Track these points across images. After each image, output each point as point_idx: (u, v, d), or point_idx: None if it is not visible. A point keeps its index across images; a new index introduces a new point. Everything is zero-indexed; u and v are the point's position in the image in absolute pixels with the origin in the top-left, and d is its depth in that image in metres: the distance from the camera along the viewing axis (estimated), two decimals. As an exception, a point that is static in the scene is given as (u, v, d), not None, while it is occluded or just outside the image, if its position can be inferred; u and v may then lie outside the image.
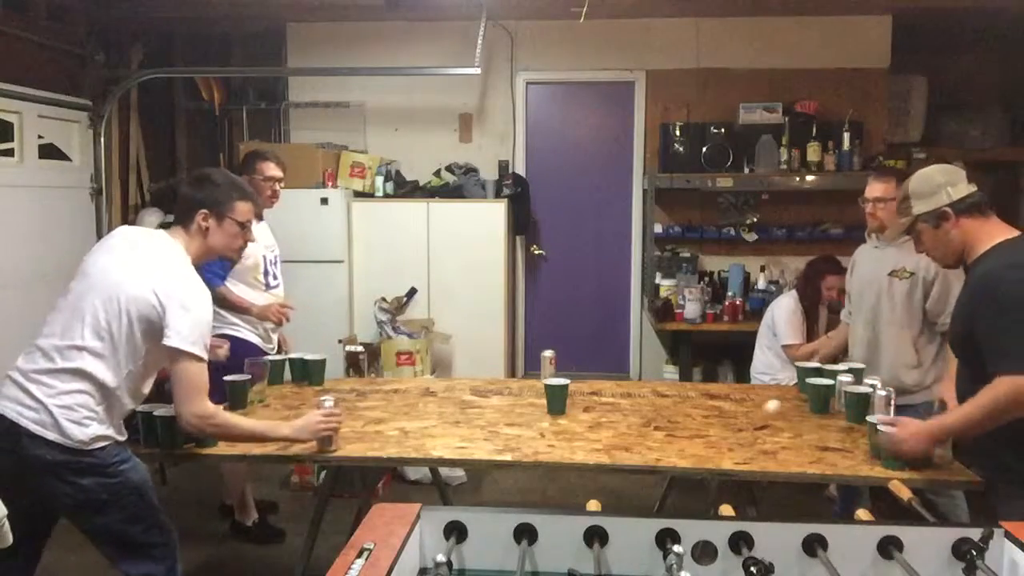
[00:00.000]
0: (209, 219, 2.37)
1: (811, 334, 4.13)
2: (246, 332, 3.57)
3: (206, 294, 2.30)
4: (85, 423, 2.17)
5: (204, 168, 2.60)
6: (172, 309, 2.20)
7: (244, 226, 2.45)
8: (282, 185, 3.72)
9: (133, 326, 2.20)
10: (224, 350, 3.04)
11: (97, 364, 2.19)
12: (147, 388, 2.36)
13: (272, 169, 3.66)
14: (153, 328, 2.21)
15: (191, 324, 2.21)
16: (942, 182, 2.20)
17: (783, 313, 4.17)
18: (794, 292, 4.28)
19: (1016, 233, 2.20)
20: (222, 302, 3.49)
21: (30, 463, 2.14)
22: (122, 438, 2.30)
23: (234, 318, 3.54)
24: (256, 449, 2.55)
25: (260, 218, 3.61)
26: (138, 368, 2.25)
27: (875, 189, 3.17)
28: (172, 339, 2.19)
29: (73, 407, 2.17)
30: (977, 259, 2.20)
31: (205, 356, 2.25)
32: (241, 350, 3.42)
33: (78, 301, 2.23)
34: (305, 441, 2.46)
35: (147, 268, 2.24)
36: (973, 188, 2.21)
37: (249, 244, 3.33)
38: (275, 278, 3.72)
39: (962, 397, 2.22)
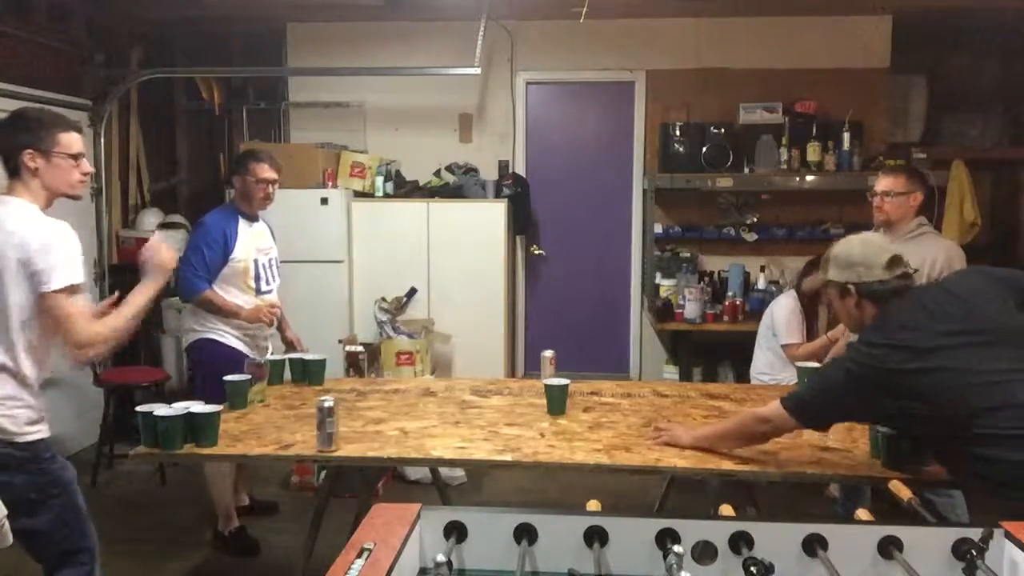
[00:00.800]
0: (36, 159, 2.26)
1: (811, 333, 4.12)
2: (231, 339, 3.52)
3: (60, 229, 2.23)
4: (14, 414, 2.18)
5: (16, 109, 2.46)
6: (36, 257, 2.16)
7: (76, 158, 2.33)
8: (277, 186, 3.63)
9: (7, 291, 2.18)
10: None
11: None
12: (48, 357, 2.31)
13: (265, 171, 3.55)
14: (28, 284, 2.18)
15: (52, 265, 2.16)
16: (857, 262, 2.20)
17: (782, 313, 4.17)
18: (793, 292, 4.28)
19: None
20: (208, 305, 3.46)
21: None
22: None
23: (219, 323, 3.49)
24: (256, 450, 2.55)
25: (256, 219, 3.63)
26: (33, 335, 2.22)
27: (883, 182, 3.22)
28: (51, 284, 2.15)
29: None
30: None
31: (79, 282, 2.19)
32: (225, 356, 3.39)
33: None
34: (160, 280, 2.43)
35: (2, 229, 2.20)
36: (893, 274, 2.15)
37: (238, 247, 3.35)
38: (268, 283, 3.64)
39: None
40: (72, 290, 2.19)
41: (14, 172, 2.28)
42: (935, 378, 1.95)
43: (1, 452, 2.16)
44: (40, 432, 2.24)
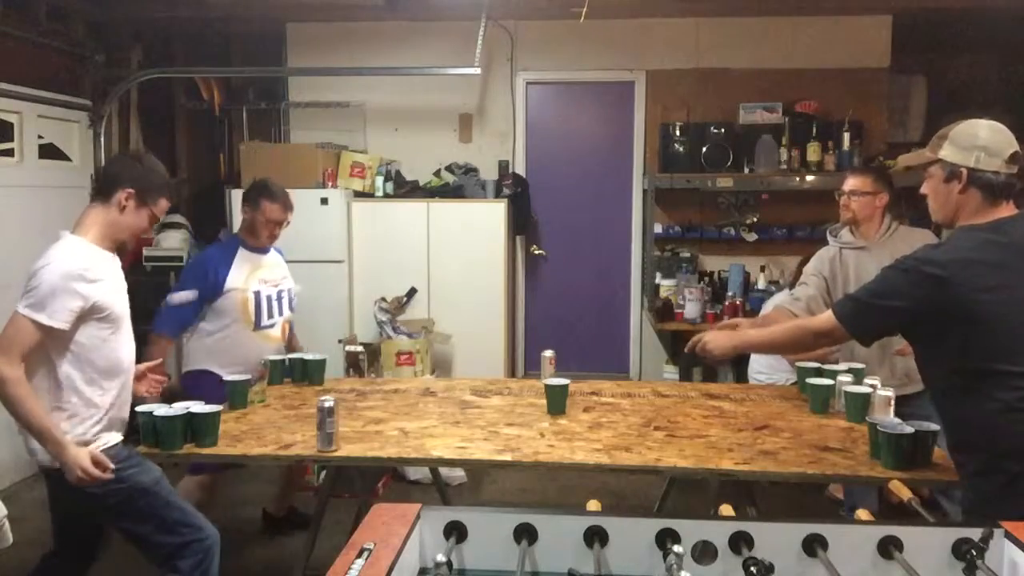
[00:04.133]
0: (131, 200, 2.36)
1: None
2: (217, 369, 3.34)
3: (60, 262, 2.23)
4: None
5: (144, 150, 2.62)
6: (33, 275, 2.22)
7: (153, 221, 2.48)
8: (287, 226, 3.51)
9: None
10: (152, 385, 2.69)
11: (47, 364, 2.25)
12: (100, 370, 2.33)
13: (276, 212, 3.43)
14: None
15: (31, 287, 2.21)
16: (981, 146, 2.07)
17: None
18: (787, 291, 4.28)
19: (993, 220, 2.06)
20: (154, 350, 3.22)
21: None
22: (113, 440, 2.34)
23: (213, 356, 3.38)
24: (256, 450, 2.55)
25: (264, 251, 3.52)
26: (72, 353, 2.27)
27: (850, 182, 3.28)
28: (20, 304, 2.20)
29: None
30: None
31: (41, 320, 2.18)
32: (216, 384, 3.23)
33: None
34: (65, 470, 2.23)
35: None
36: (1009, 170, 2.06)
37: (231, 279, 3.32)
38: (271, 316, 3.48)
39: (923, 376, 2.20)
40: (28, 320, 2.18)
41: (104, 198, 2.36)
42: (995, 304, 1.89)
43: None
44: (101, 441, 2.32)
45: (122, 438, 2.42)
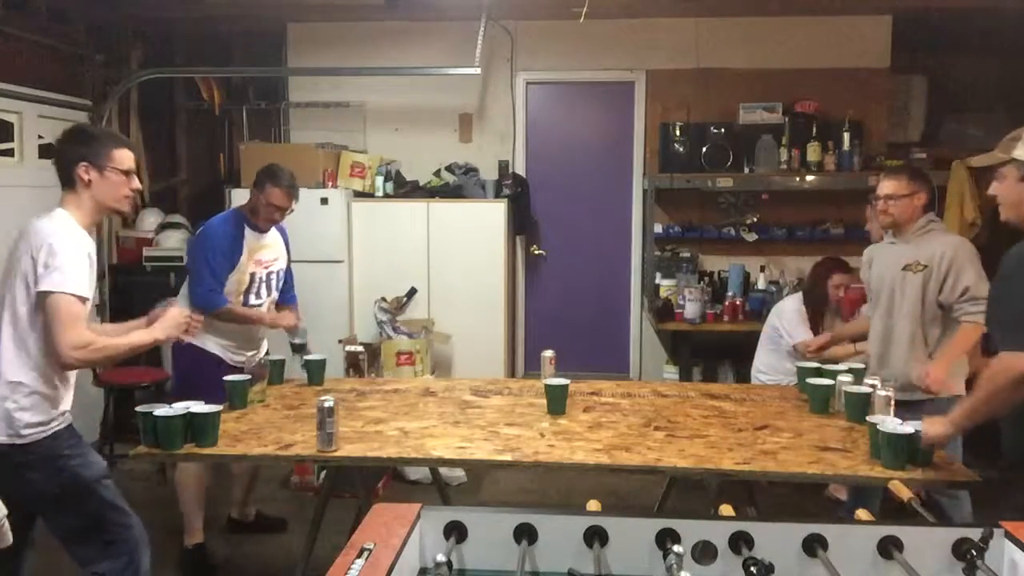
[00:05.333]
0: (90, 171, 2.33)
1: (817, 331, 4.11)
2: (212, 345, 3.43)
3: (70, 237, 2.27)
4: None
5: (77, 124, 2.60)
6: (41, 258, 2.21)
7: (127, 174, 2.40)
8: (290, 213, 3.53)
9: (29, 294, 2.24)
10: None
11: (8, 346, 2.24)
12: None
13: (279, 198, 3.44)
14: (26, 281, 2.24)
15: (53, 265, 2.20)
16: None
17: (789, 314, 4.19)
18: (798, 295, 4.29)
19: None
20: (228, 316, 3.41)
21: None
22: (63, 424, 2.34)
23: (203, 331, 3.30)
24: (256, 450, 2.55)
25: (265, 231, 3.55)
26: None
27: (886, 186, 3.14)
28: (42, 283, 2.20)
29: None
30: None
31: (81, 293, 2.23)
32: (206, 362, 3.36)
33: None
34: (162, 338, 2.51)
35: (27, 236, 2.27)
36: None
37: (244, 258, 3.38)
38: (259, 295, 3.53)
39: None
40: (68, 295, 2.21)
41: (68, 183, 2.36)
42: None
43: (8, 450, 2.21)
44: (43, 431, 2.27)
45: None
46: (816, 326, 4.13)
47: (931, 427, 2.30)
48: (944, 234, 3.19)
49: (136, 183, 2.44)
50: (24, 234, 2.29)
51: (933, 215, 3.21)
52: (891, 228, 3.19)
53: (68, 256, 2.22)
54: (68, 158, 2.34)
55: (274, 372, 3.39)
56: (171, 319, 2.54)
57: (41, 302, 2.22)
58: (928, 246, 3.06)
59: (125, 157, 2.40)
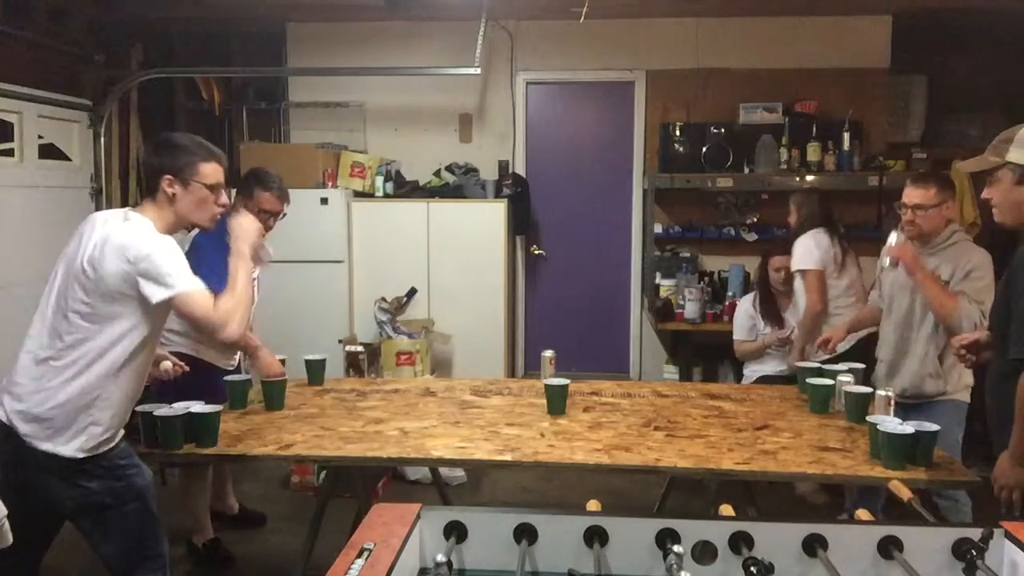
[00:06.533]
0: (174, 185, 2.22)
1: (778, 319, 4.16)
2: (203, 350, 3.29)
3: (158, 239, 2.18)
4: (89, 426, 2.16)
5: (166, 132, 2.42)
6: (142, 265, 2.11)
7: (214, 189, 2.29)
8: (283, 218, 3.36)
9: (112, 301, 2.13)
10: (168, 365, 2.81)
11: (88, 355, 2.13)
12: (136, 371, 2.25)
13: (269, 202, 3.27)
14: (126, 297, 2.13)
15: (164, 271, 2.12)
16: None
17: (736, 319, 4.36)
18: (749, 295, 4.43)
19: None
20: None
21: (29, 462, 2.13)
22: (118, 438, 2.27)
23: (186, 338, 3.22)
24: (256, 450, 2.55)
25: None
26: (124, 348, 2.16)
27: (914, 195, 2.99)
28: (164, 291, 2.11)
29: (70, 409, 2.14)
30: None
31: (200, 286, 2.19)
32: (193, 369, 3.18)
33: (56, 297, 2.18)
34: (257, 244, 2.50)
35: (109, 240, 2.14)
36: None
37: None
38: None
39: (990, 391, 2.18)
40: (189, 289, 2.17)
41: (151, 192, 2.26)
42: None
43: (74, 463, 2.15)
44: (110, 444, 2.23)
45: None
46: (770, 306, 4.20)
47: (1004, 474, 2.14)
48: (968, 246, 3.05)
49: (224, 198, 2.33)
50: (103, 252, 2.12)
51: (956, 224, 3.12)
52: (917, 239, 3.05)
53: (165, 257, 2.14)
54: (153, 169, 2.25)
55: (315, 371, 3.32)
56: (239, 227, 2.42)
57: (170, 308, 2.17)
58: (953, 258, 2.97)
59: (213, 171, 2.29)
